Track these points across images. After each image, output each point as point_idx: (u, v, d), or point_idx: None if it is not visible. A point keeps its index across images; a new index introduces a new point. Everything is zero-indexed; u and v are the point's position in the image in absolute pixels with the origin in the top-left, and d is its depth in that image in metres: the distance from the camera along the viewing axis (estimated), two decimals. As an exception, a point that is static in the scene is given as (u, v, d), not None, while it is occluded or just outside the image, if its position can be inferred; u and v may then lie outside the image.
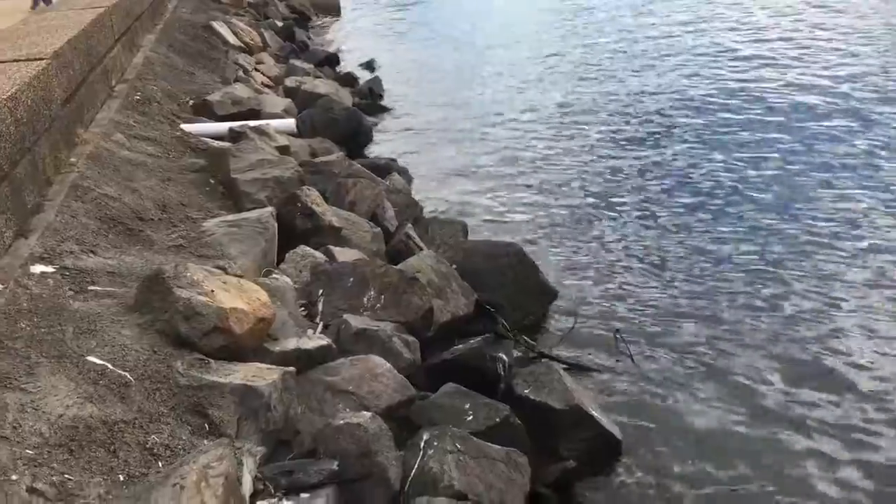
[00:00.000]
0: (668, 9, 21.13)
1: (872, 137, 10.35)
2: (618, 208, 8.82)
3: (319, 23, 22.34)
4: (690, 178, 9.59)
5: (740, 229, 8.12)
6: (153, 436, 3.33)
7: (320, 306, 5.08)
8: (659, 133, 11.36)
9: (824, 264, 7.30)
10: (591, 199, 9.11)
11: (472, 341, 5.39)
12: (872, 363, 5.83)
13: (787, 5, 20.20)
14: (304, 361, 4.25)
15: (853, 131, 10.62)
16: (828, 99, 12.06)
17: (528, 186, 9.60)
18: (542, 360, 5.69)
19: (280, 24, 18.44)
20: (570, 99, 13.47)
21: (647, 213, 8.66)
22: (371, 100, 13.37)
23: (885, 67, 13.59)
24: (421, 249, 6.53)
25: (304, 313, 5.04)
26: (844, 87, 12.55)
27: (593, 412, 4.90)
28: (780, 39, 16.38)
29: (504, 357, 5.25)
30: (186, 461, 3.04)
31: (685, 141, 10.93)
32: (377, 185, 7.47)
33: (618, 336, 6.21)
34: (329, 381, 4.22)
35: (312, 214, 6.09)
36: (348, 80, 14.30)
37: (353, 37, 20.29)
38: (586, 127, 11.86)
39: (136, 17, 10.16)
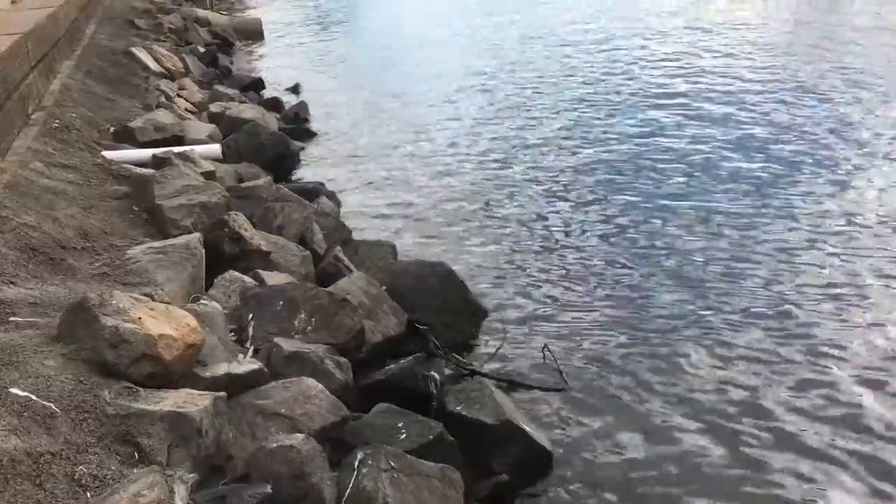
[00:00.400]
0: (590, 24, 21.86)
1: (794, 145, 10.91)
2: (545, 224, 9.03)
3: (243, 48, 22.18)
4: (616, 191, 9.92)
5: (667, 242, 8.42)
6: (81, 467, 3.27)
7: (251, 330, 5.06)
8: (585, 146, 11.75)
9: (748, 274, 7.62)
10: (518, 217, 9.30)
11: (403, 361, 5.45)
12: (802, 372, 6.06)
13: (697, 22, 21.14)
14: (236, 386, 4.24)
15: (777, 142, 11.19)
16: (749, 112, 12.66)
17: (458, 206, 9.73)
18: (474, 377, 5.77)
19: (202, 49, 18.26)
20: (494, 116, 13.80)
21: (575, 227, 8.91)
22: (297, 124, 13.35)
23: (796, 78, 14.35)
24: (351, 271, 6.57)
25: (234, 338, 5.02)
26: (765, 99, 13.21)
27: (524, 426, 5.00)
28: (694, 54, 17.12)
29: (436, 375, 5.32)
30: (116, 490, 3.01)
31: (611, 153, 11.33)
32: (305, 209, 7.48)
33: (546, 351, 6.34)
34: (261, 404, 4.21)
35: (240, 239, 6.07)
36: (274, 105, 14.23)
37: (277, 61, 20.22)
38: (513, 143, 12.16)
39: (52, 43, 9.95)
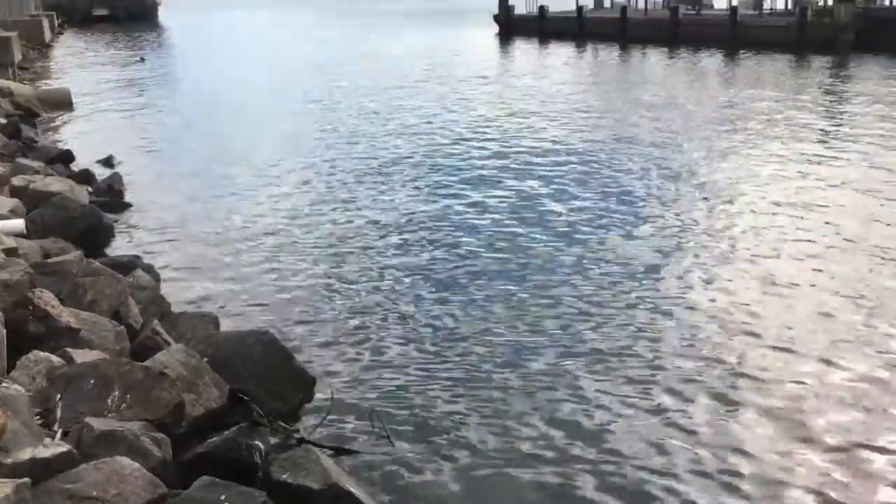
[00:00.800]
0: (406, 88, 22.78)
1: (584, 201, 11.79)
2: (370, 287, 9.20)
3: (50, 119, 21.14)
4: (437, 250, 10.35)
5: (487, 298, 8.81)
6: None
7: (59, 412, 4.81)
8: (401, 206, 12.30)
9: (563, 321, 8.12)
10: (343, 281, 9.42)
11: (227, 432, 5.35)
12: (620, 410, 6.48)
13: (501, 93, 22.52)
14: (42, 471, 4.01)
15: (571, 198, 12.06)
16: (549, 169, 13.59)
17: (281, 273, 9.71)
18: (301, 445, 5.74)
19: (4, 120, 17.23)
20: (312, 179, 14.19)
21: (400, 289, 9.14)
22: (111, 196, 12.84)
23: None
24: (169, 344, 6.39)
25: (40, 421, 4.74)
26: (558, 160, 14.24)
27: (351, 489, 5.03)
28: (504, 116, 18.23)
29: (260, 445, 5.26)
30: None
31: (427, 214, 11.88)
32: (119, 283, 7.21)
33: (373, 414, 6.42)
34: (71, 488, 4.00)
35: (47, 317, 5.77)
36: (84, 177, 13.63)
37: (88, 132, 19.44)
38: (333, 206, 12.47)
39: None
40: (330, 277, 9.55)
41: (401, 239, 10.87)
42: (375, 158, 15.79)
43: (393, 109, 21.93)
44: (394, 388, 6.96)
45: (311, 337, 7.96)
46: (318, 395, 6.72)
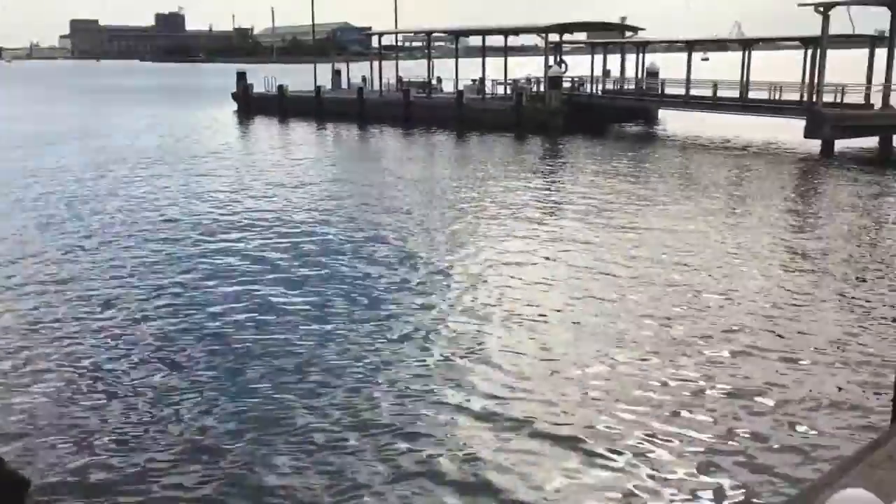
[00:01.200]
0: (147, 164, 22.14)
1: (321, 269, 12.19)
2: (85, 370, 8.93)
3: None
4: (151, 330, 10.22)
5: (207, 374, 8.85)
6: None
7: None
8: (124, 282, 12.16)
9: (301, 399, 8.27)
10: (55, 365, 9.05)
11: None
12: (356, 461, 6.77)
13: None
14: None
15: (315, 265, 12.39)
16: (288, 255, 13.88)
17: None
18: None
19: None
20: (17, 256, 13.78)
21: (115, 371, 8.92)
22: None
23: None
24: None
25: None
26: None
27: None
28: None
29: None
30: None
31: (148, 288, 11.71)
32: None
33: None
34: None
35: None
36: None
37: None
38: (39, 284, 12.07)
39: None
40: (40, 364, 9.09)
41: (112, 321, 10.58)
42: (89, 237, 15.38)
43: (119, 187, 21.41)
44: (120, 480, 6.76)
45: (23, 433, 7.50)
46: (33, 499, 6.37)
